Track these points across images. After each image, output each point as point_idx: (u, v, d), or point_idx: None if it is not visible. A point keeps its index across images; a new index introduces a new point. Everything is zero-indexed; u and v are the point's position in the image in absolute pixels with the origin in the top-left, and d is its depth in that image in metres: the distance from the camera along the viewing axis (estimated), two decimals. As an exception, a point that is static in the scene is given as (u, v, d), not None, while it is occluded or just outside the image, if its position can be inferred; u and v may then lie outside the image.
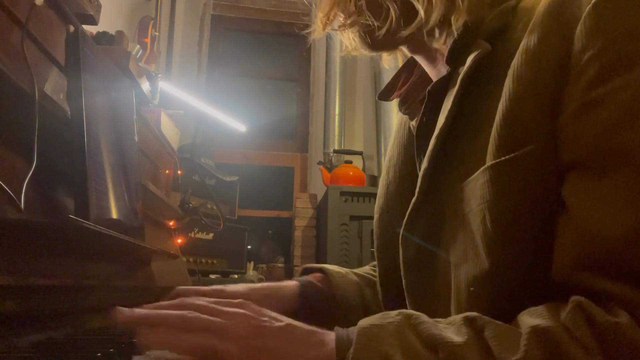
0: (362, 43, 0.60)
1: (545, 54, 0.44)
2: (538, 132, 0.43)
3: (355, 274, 0.79)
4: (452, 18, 0.53)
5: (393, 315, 0.42)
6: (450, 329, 0.40)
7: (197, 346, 0.40)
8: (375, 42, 0.59)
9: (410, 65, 0.68)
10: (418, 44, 0.61)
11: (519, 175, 0.44)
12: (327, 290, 0.73)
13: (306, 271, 0.79)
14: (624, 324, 0.36)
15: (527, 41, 0.46)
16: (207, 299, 0.47)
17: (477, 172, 0.47)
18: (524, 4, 0.52)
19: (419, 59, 0.63)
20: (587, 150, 0.41)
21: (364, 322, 0.42)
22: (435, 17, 0.53)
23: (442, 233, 0.53)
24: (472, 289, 0.47)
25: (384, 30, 0.56)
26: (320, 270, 0.77)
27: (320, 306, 0.72)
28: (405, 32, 0.55)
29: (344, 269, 0.79)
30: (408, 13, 0.54)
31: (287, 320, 0.44)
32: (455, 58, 0.54)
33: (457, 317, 0.42)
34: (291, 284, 0.73)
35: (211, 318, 0.42)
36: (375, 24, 0.56)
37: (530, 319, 0.39)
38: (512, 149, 0.44)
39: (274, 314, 0.45)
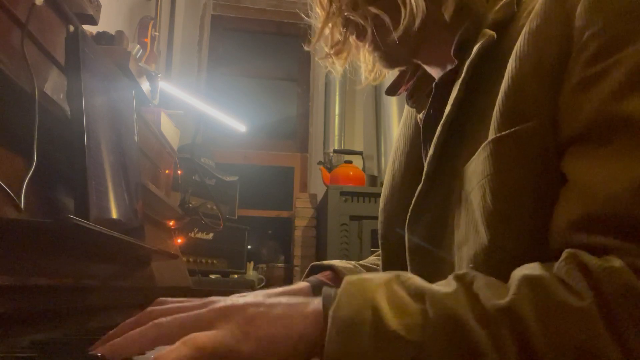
0: (379, 60, 0.64)
1: (547, 34, 0.45)
2: (539, 109, 0.44)
3: (363, 266, 0.80)
4: (443, 7, 0.55)
5: (381, 273, 0.42)
6: (439, 283, 0.40)
7: (188, 343, 0.37)
8: (388, 56, 0.62)
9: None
10: (430, 54, 0.63)
11: (519, 150, 0.45)
12: (338, 287, 0.73)
13: (314, 269, 0.79)
14: (617, 268, 0.35)
15: (530, 24, 0.47)
16: (176, 299, 0.45)
17: (479, 149, 0.48)
18: None
19: (430, 69, 0.65)
20: (588, 123, 0.42)
21: (351, 276, 0.41)
22: (419, 10, 0.54)
23: (447, 220, 0.54)
24: (471, 265, 0.48)
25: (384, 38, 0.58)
26: (329, 267, 0.77)
27: None
28: (396, 34, 0.56)
29: (351, 262, 0.79)
30: (393, 15, 0.56)
31: (261, 295, 0.43)
32: (462, 51, 0.56)
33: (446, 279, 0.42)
34: (303, 285, 0.72)
35: (184, 314, 0.40)
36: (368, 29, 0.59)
37: (522, 271, 0.39)
38: (513, 124, 0.45)
39: (244, 295, 0.44)
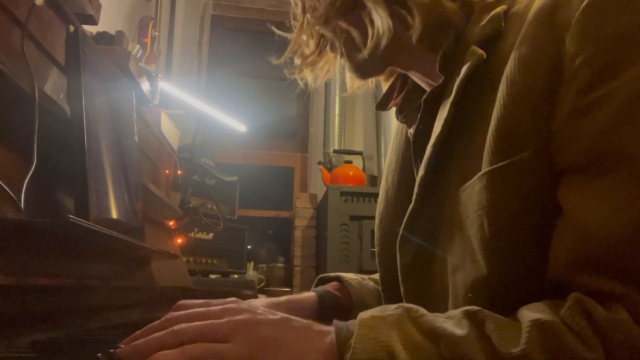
0: (352, 73, 0.64)
1: (538, 60, 0.44)
2: (533, 138, 0.44)
3: (372, 279, 0.80)
4: (411, 31, 0.54)
5: (393, 308, 0.42)
6: (451, 322, 0.40)
7: (196, 357, 0.38)
8: (361, 70, 0.62)
9: (404, 75, 0.69)
10: (408, 62, 0.62)
11: (516, 181, 0.44)
12: (345, 297, 0.74)
13: (322, 280, 0.80)
14: (622, 320, 0.36)
15: (519, 47, 0.46)
16: (197, 301, 0.46)
17: (474, 178, 0.48)
18: (516, 9, 0.52)
19: (413, 75, 0.64)
20: (582, 154, 0.41)
21: (364, 314, 0.42)
22: (384, 30, 0.54)
23: (439, 239, 0.54)
24: (470, 294, 0.47)
25: (357, 54, 0.58)
26: (336, 278, 0.77)
27: (339, 314, 0.71)
28: (365, 52, 0.56)
29: (360, 275, 0.79)
30: (361, 33, 0.57)
31: (281, 314, 0.43)
32: (447, 66, 0.55)
33: (456, 311, 0.42)
34: (309, 295, 0.73)
35: (201, 323, 0.41)
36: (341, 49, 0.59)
37: (530, 313, 0.39)
38: (508, 155, 0.45)
39: (267, 309, 0.44)
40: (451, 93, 0.52)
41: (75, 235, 0.59)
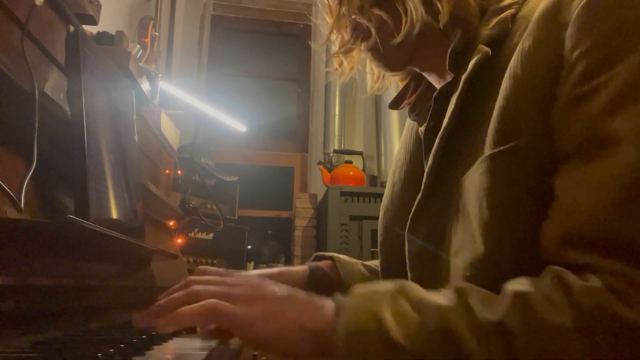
0: (378, 64, 0.67)
1: (539, 55, 0.47)
2: (532, 126, 0.47)
3: (364, 265, 0.84)
4: (439, 17, 0.57)
5: (387, 283, 0.45)
6: (439, 296, 0.43)
7: (203, 310, 0.44)
8: (387, 59, 0.65)
9: (418, 76, 0.72)
10: (426, 61, 0.65)
11: (515, 165, 0.47)
12: (334, 275, 0.79)
13: (317, 258, 0.84)
14: (595, 287, 0.38)
15: (522, 44, 0.49)
16: (214, 270, 0.53)
17: (476, 163, 0.51)
18: (523, 12, 0.55)
19: (428, 75, 0.68)
20: (576, 140, 0.44)
21: (359, 287, 0.46)
22: (418, 17, 0.58)
23: (445, 227, 0.56)
24: (468, 274, 0.50)
25: (382, 39, 0.61)
26: (331, 257, 0.82)
27: (326, 290, 0.76)
28: (398, 38, 0.59)
29: (354, 259, 0.84)
30: (395, 20, 0.60)
31: (288, 289, 0.47)
32: (457, 65, 0.58)
33: (448, 288, 0.45)
34: (301, 268, 0.78)
35: (219, 287, 0.46)
36: (374, 33, 0.62)
37: (513, 286, 0.42)
38: (508, 141, 0.47)
39: (275, 283, 0.48)
40: (459, 88, 0.56)
41: (75, 235, 0.59)
